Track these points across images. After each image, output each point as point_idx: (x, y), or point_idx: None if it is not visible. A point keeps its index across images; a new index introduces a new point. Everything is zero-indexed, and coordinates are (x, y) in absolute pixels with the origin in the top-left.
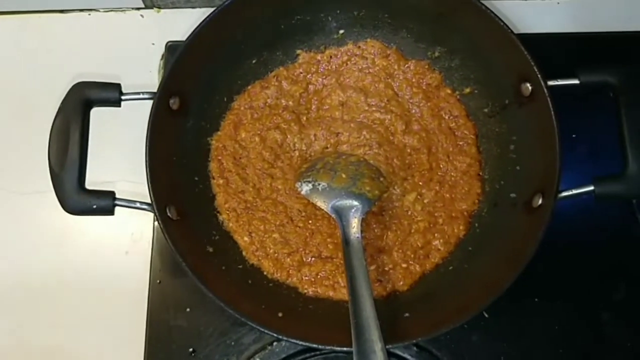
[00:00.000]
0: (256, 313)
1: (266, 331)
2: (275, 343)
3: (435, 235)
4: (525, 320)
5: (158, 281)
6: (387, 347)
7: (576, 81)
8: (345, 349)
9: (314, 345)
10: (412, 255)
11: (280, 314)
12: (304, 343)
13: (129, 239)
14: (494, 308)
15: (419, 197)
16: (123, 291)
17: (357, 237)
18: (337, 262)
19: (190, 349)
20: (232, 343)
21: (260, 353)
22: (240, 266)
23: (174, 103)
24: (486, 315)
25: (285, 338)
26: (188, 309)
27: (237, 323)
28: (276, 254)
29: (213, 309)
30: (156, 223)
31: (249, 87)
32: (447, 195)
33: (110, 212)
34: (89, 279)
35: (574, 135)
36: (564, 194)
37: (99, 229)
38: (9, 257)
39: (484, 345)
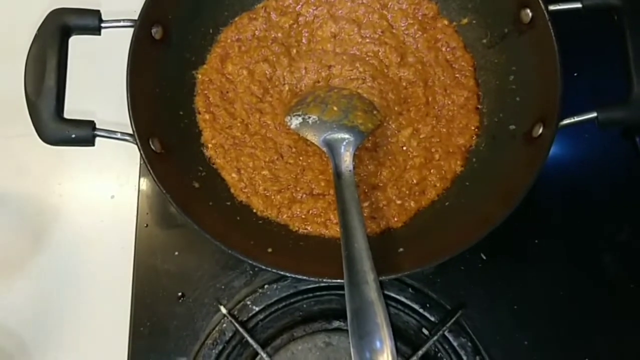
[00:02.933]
0: (245, 248)
1: (256, 264)
2: (266, 286)
3: (432, 171)
4: (524, 263)
5: (145, 225)
6: (380, 278)
7: (578, 5)
8: (337, 281)
9: (305, 278)
10: (407, 192)
11: (269, 250)
12: (294, 275)
13: (114, 182)
14: (491, 250)
15: (414, 132)
16: (109, 236)
17: (349, 170)
18: (329, 199)
19: (179, 293)
20: (222, 287)
21: (251, 296)
22: (229, 203)
23: (157, 32)
24: (484, 257)
25: (275, 270)
26: (176, 253)
27: (227, 266)
28: (266, 191)
29: (202, 252)
30: (142, 164)
31: (236, 19)
32: (444, 130)
33: (90, 142)
34: (73, 223)
35: (575, 64)
36: (566, 121)
37: (83, 173)
38: None
39: (482, 287)
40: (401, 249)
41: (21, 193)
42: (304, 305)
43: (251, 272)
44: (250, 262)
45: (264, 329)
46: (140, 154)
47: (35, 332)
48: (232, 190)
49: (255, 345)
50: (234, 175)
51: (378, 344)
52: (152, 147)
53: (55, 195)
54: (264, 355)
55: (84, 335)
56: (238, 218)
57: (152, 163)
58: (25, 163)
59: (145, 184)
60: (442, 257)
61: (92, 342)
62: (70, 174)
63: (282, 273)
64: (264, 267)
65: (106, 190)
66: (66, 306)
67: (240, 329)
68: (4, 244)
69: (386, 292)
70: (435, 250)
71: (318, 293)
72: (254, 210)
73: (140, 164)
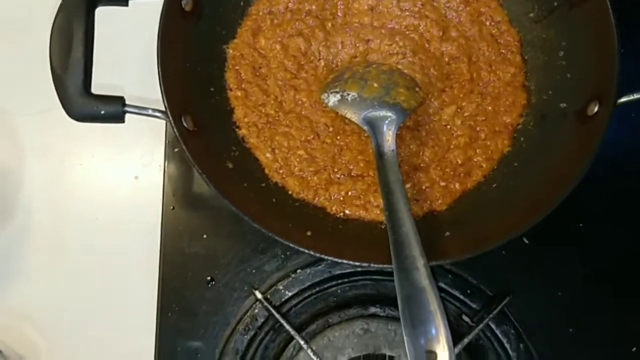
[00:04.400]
0: (285, 231)
1: (298, 247)
2: (299, 270)
3: (477, 151)
4: (568, 248)
5: (172, 207)
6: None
7: None
8: (384, 266)
9: (349, 262)
10: (452, 173)
11: (308, 233)
12: (339, 260)
13: (137, 163)
14: (534, 234)
15: (458, 110)
16: (134, 218)
17: (392, 150)
18: (368, 181)
19: (208, 277)
20: (253, 271)
21: (284, 281)
22: (263, 184)
23: (187, 4)
24: (526, 242)
25: (318, 255)
26: (205, 236)
27: (257, 250)
28: (302, 172)
29: (231, 235)
30: (167, 144)
31: None
32: (490, 108)
33: (120, 119)
34: (96, 205)
35: (629, 38)
36: (624, 99)
37: (105, 153)
38: (12, 183)
39: (525, 273)
40: (447, 233)
41: (42, 172)
42: (338, 291)
43: (283, 256)
44: (292, 245)
45: (297, 314)
46: (174, 132)
47: (59, 318)
48: (266, 171)
49: (292, 331)
50: (268, 155)
51: (433, 331)
52: (184, 124)
53: (77, 175)
54: (301, 341)
55: (110, 321)
56: (274, 200)
57: (186, 141)
58: (46, 141)
59: (170, 164)
60: (492, 243)
61: (119, 327)
62: (92, 154)
63: (325, 257)
64: (306, 251)
65: (129, 171)
66: (90, 290)
67: (276, 314)
68: (25, 225)
69: None
70: (484, 235)
71: (353, 278)
72: (290, 192)
73: (165, 144)
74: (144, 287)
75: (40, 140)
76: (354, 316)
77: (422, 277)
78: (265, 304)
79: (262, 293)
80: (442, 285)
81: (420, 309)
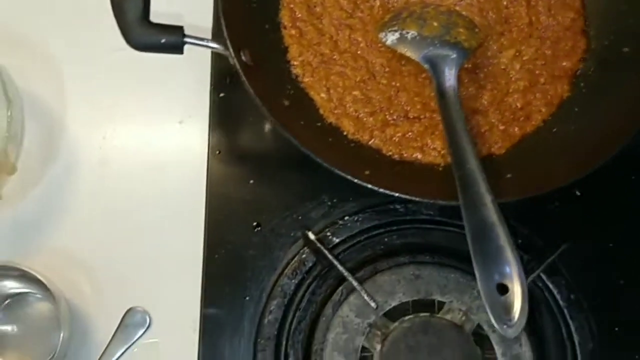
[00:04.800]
0: (345, 167)
1: (361, 183)
2: (346, 217)
3: (537, 95)
4: (621, 199)
5: (217, 152)
6: None
7: None
8: (450, 203)
9: (415, 199)
10: (511, 117)
11: (367, 172)
12: (404, 196)
13: (182, 107)
14: (587, 185)
15: (517, 54)
16: (179, 162)
17: (453, 88)
18: (425, 123)
19: (254, 223)
20: (300, 217)
21: (331, 228)
22: (319, 124)
23: None
24: (578, 193)
25: (382, 190)
26: (251, 181)
27: (304, 197)
28: (357, 113)
29: (278, 181)
30: (212, 88)
31: None
32: (549, 53)
33: (179, 49)
34: (141, 150)
35: None
36: None
37: (149, 98)
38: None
39: (576, 224)
40: (509, 175)
41: (86, 117)
42: (386, 239)
43: (329, 203)
44: (356, 181)
45: (344, 261)
46: (234, 64)
47: (105, 260)
48: (321, 111)
49: (345, 272)
50: (322, 95)
51: (504, 266)
52: (243, 58)
53: (121, 120)
54: (354, 282)
55: (155, 265)
56: (330, 140)
57: (247, 74)
58: (91, 86)
59: (216, 109)
60: (552, 185)
61: (165, 271)
62: (136, 99)
63: (391, 194)
64: (369, 186)
65: (174, 116)
66: (135, 234)
67: (329, 255)
68: (70, 166)
69: None
70: (544, 178)
71: (403, 227)
72: (345, 133)
73: (211, 90)
74: (190, 232)
75: (85, 85)
76: (403, 263)
77: (490, 212)
78: (319, 244)
79: (316, 233)
80: None
81: (490, 244)
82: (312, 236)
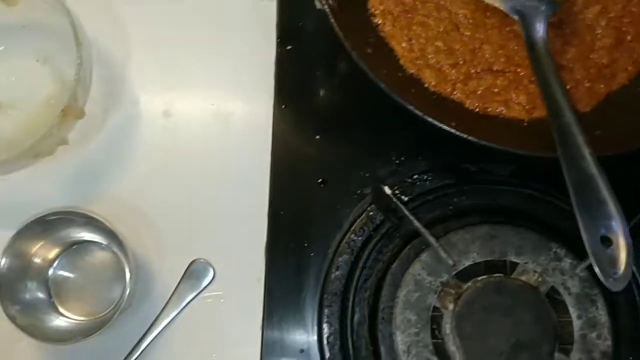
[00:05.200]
0: (432, 115)
1: (453, 131)
2: (415, 176)
3: (623, 53)
4: None
5: (283, 106)
6: None
7: None
8: (546, 154)
9: (509, 150)
10: (596, 74)
11: (453, 123)
12: (498, 147)
13: (247, 58)
14: None
15: (603, 10)
16: (243, 115)
17: (543, 40)
18: (510, 77)
19: (319, 180)
20: (367, 175)
21: (399, 186)
22: (400, 74)
23: None
24: None
25: (475, 140)
26: (317, 137)
27: (371, 154)
28: (439, 65)
29: (345, 137)
30: (278, 40)
31: None
32: (635, 10)
33: None
34: (204, 101)
35: None
36: None
37: (212, 49)
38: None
39: None
40: (598, 132)
41: (149, 63)
42: (455, 199)
43: (397, 161)
44: (445, 127)
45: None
46: (322, 5)
47: (169, 216)
48: (401, 62)
49: (422, 229)
50: (404, 44)
51: (608, 218)
52: (329, 1)
53: (183, 68)
54: (432, 239)
55: (221, 220)
56: (413, 90)
57: (335, 16)
58: (153, 33)
59: (281, 62)
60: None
61: (230, 226)
62: (200, 48)
63: (486, 144)
64: (464, 135)
65: (239, 69)
66: (199, 187)
67: (405, 211)
68: (133, 115)
69: None
70: (633, 134)
71: (475, 186)
72: (426, 85)
73: (277, 41)
74: (255, 186)
75: (147, 31)
76: (477, 222)
77: (590, 165)
78: (394, 199)
79: (392, 186)
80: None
81: (592, 196)
82: (387, 190)
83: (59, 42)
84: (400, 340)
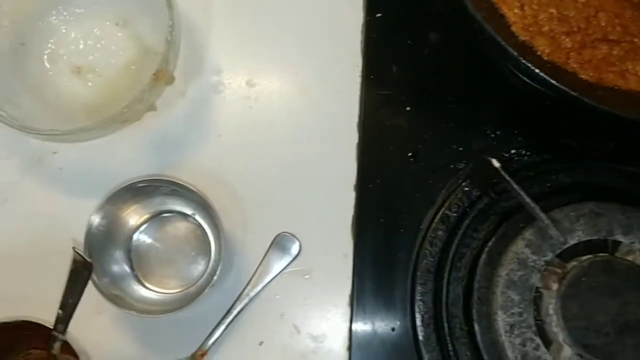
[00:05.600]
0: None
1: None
2: (513, 151)
3: None
4: None
5: (371, 76)
6: None
7: None
8: None
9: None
10: None
11: (573, 93)
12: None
13: (333, 25)
14: None
15: None
16: (330, 88)
17: None
18: (626, 47)
19: (410, 153)
20: (460, 149)
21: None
22: (512, 41)
23: None
24: None
25: (606, 109)
26: (407, 109)
27: (464, 127)
28: (552, 32)
29: (437, 109)
30: (366, 11)
31: None
32: None
33: None
34: (289, 69)
35: None
36: None
37: (297, 17)
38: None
39: None
40: None
41: (230, 30)
42: (553, 176)
43: (492, 135)
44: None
45: (509, 197)
46: None
47: (255, 188)
48: (513, 28)
49: (532, 204)
50: (516, 10)
51: None
52: None
53: (267, 35)
54: (542, 215)
55: (307, 193)
56: (527, 58)
57: None
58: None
59: (369, 29)
60: None
61: (317, 200)
62: (283, 17)
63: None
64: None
65: (325, 37)
66: (286, 160)
67: (515, 185)
68: (214, 83)
69: None
70: None
71: (576, 163)
72: (539, 53)
73: (365, 7)
74: (342, 159)
75: (234, 4)
76: (581, 199)
77: None
78: (503, 173)
79: (501, 159)
80: None
81: None
82: (496, 163)
83: (139, 5)
84: (502, 320)
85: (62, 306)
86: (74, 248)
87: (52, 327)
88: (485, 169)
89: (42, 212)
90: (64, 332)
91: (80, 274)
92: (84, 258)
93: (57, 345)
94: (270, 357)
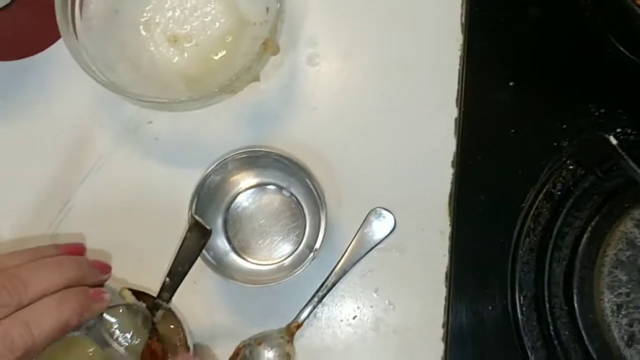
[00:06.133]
0: None
1: None
2: (618, 129)
3: None
4: None
5: (472, 50)
6: None
7: None
8: None
9: None
10: None
11: None
12: None
13: None
14: None
15: None
16: (428, 61)
17: None
18: None
19: (512, 130)
20: (564, 126)
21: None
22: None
23: None
24: None
25: None
26: (511, 84)
27: (568, 104)
28: None
29: (541, 87)
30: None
31: None
32: None
33: None
34: (387, 49)
35: None
36: None
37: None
38: None
39: None
40: None
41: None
42: None
43: (597, 113)
44: None
45: (610, 178)
46: None
47: (349, 162)
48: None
49: None
50: None
51: None
52: None
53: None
54: None
55: (402, 169)
56: None
57: None
58: None
59: (472, 1)
60: None
61: (412, 176)
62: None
63: None
64: None
65: (423, 6)
66: (381, 133)
67: (631, 163)
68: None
69: None
70: None
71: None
72: None
73: None
74: (440, 134)
75: None
76: None
77: None
78: (620, 150)
79: (617, 135)
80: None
81: None
82: (613, 141)
83: None
84: (608, 300)
85: (170, 274)
86: (192, 214)
87: (154, 296)
88: (596, 146)
89: (137, 182)
90: (169, 300)
91: (196, 241)
92: (203, 225)
93: (159, 314)
94: (364, 332)
